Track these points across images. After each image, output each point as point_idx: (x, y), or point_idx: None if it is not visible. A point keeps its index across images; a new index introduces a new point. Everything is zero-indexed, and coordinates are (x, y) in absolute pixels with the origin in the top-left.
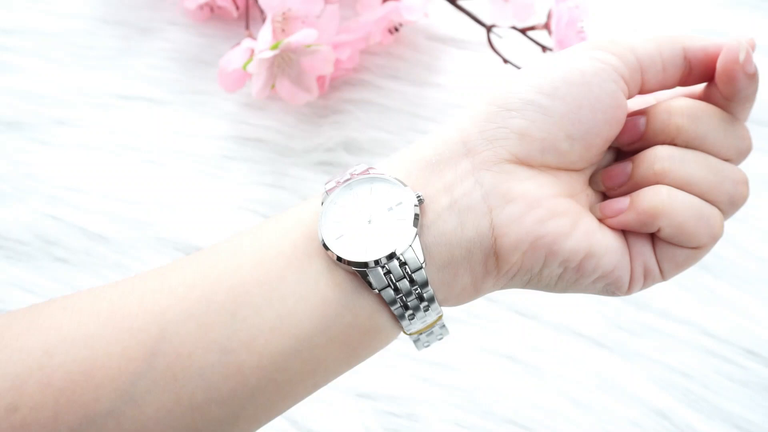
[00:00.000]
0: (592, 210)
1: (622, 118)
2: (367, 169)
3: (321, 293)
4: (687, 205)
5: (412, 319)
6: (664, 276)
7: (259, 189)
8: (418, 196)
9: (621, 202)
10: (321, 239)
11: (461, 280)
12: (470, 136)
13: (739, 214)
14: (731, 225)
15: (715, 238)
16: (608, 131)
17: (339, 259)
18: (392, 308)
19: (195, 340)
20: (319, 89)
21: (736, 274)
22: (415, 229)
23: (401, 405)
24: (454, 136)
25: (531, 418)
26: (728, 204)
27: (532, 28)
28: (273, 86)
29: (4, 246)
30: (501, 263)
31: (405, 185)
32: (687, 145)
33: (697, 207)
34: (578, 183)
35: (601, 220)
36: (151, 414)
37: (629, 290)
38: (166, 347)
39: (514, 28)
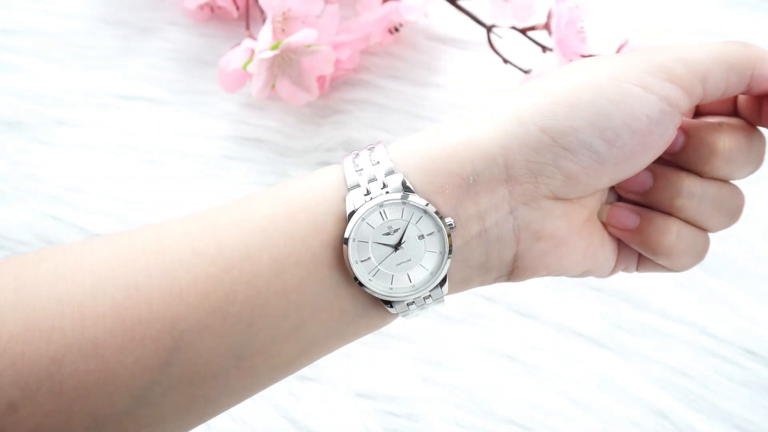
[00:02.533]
0: (599, 212)
1: (666, 147)
2: (388, 163)
3: (339, 305)
4: (689, 245)
5: (419, 315)
6: (638, 270)
7: (259, 189)
8: (450, 225)
9: (630, 220)
10: (353, 275)
11: (470, 287)
12: (515, 162)
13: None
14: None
15: (700, 262)
16: (650, 162)
17: (357, 280)
18: (408, 317)
19: (210, 349)
20: (319, 89)
21: (736, 273)
22: (445, 275)
23: (401, 405)
24: (497, 157)
25: (531, 418)
26: (720, 229)
27: (532, 28)
28: (273, 86)
29: (4, 246)
30: (512, 279)
31: (439, 218)
32: (713, 177)
33: (697, 244)
34: (601, 193)
35: (603, 223)
36: (167, 412)
37: (607, 276)
38: (182, 356)
39: (514, 28)
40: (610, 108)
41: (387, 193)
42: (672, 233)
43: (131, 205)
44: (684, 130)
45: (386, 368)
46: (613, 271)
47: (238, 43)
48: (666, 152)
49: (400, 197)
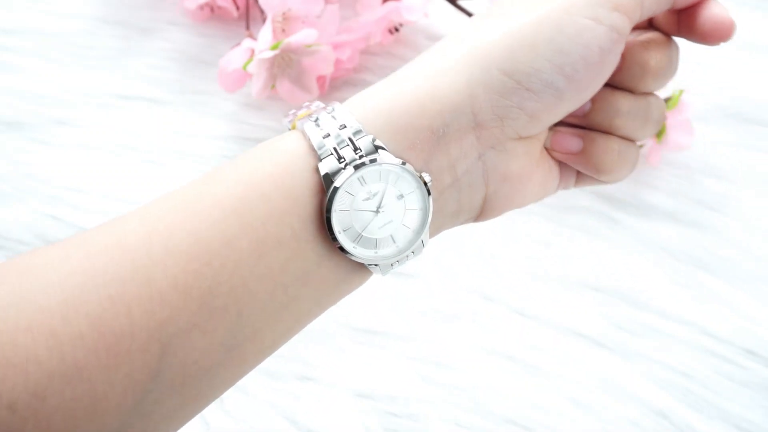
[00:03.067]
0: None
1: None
2: (335, 113)
3: (322, 276)
4: (627, 159)
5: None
6: (576, 186)
7: None
8: (426, 183)
9: (573, 143)
10: (339, 246)
11: (440, 232)
12: (482, 108)
13: (740, 214)
14: (731, 225)
15: (632, 172)
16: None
17: (342, 249)
18: (386, 275)
19: (201, 347)
20: (319, 89)
21: (736, 274)
22: (427, 231)
23: (401, 405)
24: (465, 106)
25: (531, 418)
26: (647, 137)
27: None
28: (273, 86)
29: (4, 246)
30: (478, 221)
31: (416, 175)
32: (644, 92)
33: (632, 156)
34: None
35: (547, 149)
36: (160, 419)
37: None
38: (172, 361)
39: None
40: (568, 44)
41: (361, 157)
42: (614, 151)
43: (131, 205)
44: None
45: (386, 368)
46: (555, 191)
47: (238, 43)
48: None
49: (377, 160)
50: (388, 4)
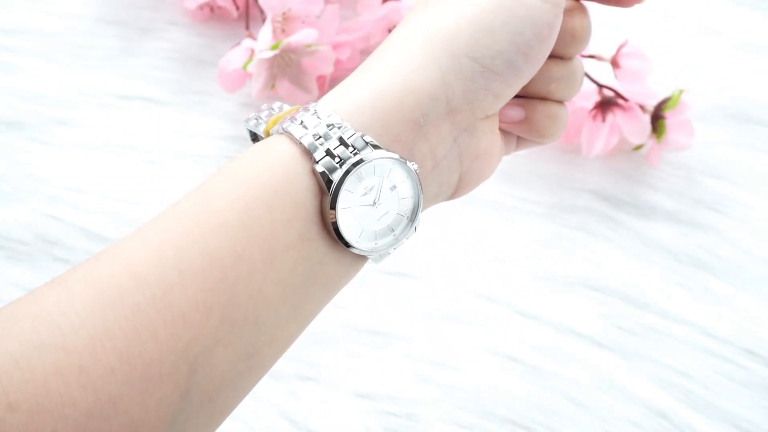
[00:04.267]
0: None
1: None
2: (306, 107)
3: (326, 272)
4: (563, 120)
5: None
6: (518, 149)
7: None
8: (417, 170)
9: (516, 113)
10: (345, 242)
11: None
12: (454, 94)
13: (740, 214)
14: (731, 225)
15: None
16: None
17: (347, 244)
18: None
19: (225, 360)
20: (319, 89)
21: (736, 274)
22: (419, 218)
23: (401, 405)
24: (440, 94)
25: (531, 418)
26: (573, 96)
27: None
28: (273, 86)
29: (4, 246)
30: (453, 198)
31: (407, 165)
32: (572, 57)
33: (564, 117)
34: None
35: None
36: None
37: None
38: (200, 379)
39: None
40: (521, 25)
41: (356, 154)
42: (556, 118)
43: (131, 205)
44: None
45: (386, 368)
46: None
47: (238, 43)
48: None
49: (372, 156)
50: (388, 4)
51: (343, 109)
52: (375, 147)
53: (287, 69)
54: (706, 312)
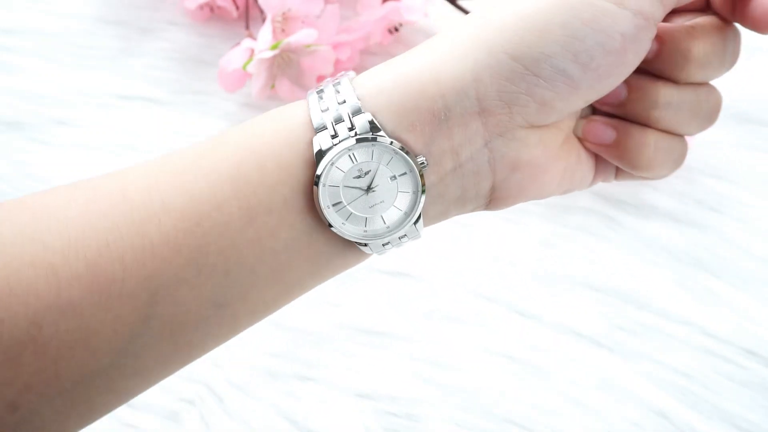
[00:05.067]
0: (575, 127)
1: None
2: (354, 92)
3: (314, 249)
4: (668, 154)
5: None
6: (617, 180)
7: None
8: (422, 163)
9: (606, 134)
10: (326, 221)
11: (447, 218)
12: (487, 93)
13: (740, 214)
14: (731, 225)
15: (678, 169)
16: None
17: (330, 225)
18: (381, 255)
19: (188, 301)
20: None
21: (736, 274)
22: (419, 215)
23: (401, 405)
24: (468, 89)
25: (531, 418)
26: (698, 132)
27: None
28: (273, 86)
29: None
30: (490, 209)
31: (409, 157)
32: (689, 83)
33: (674, 152)
34: (575, 111)
35: (579, 138)
36: (151, 361)
37: (586, 188)
38: (160, 310)
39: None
40: (583, 29)
41: (355, 134)
42: (650, 146)
43: None
44: (657, 36)
45: (386, 368)
46: (591, 184)
47: (238, 43)
48: (642, 61)
49: (368, 139)
50: (388, 4)
51: (365, 86)
52: (376, 130)
53: (287, 69)
54: (706, 312)
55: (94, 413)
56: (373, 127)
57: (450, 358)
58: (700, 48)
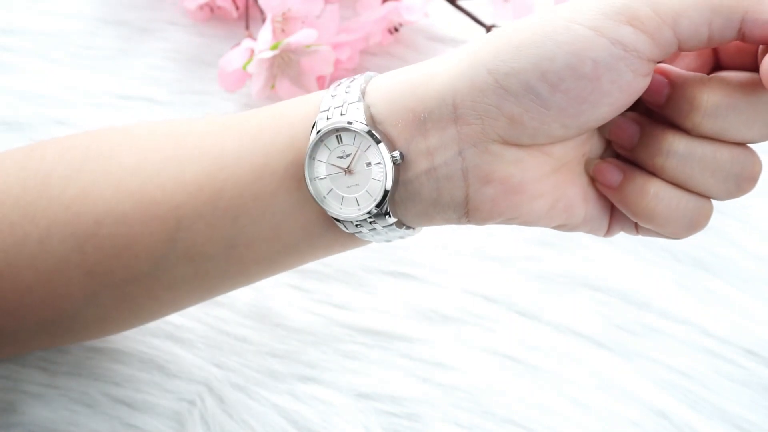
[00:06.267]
0: (587, 165)
1: (634, 98)
2: (363, 89)
3: (307, 215)
4: (673, 209)
5: (388, 240)
6: (639, 234)
7: None
8: (395, 159)
9: (613, 176)
10: (309, 190)
11: (434, 222)
12: (463, 102)
13: (740, 214)
14: (731, 225)
15: (695, 231)
16: (613, 113)
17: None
18: (371, 240)
19: (205, 234)
20: (319, 89)
21: (736, 274)
22: (385, 203)
23: (401, 405)
24: (447, 96)
25: (531, 418)
26: (725, 197)
27: None
28: (273, 86)
29: None
30: (472, 222)
31: (387, 149)
32: (703, 135)
33: (684, 209)
34: (576, 144)
35: (591, 178)
36: (178, 279)
37: (603, 236)
38: (183, 236)
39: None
40: (555, 50)
41: (347, 121)
42: (649, 194)
43: None
44: (671, 80)
45: (386, 368)
46: (609, 232)
47: (238, 43)
48: (653, 105)
49: (349, 124)
50: (387, 4)
51: (373, 84)
52: (360, 122)
53: (287, 69)
54: (706, 312)
55: (141, 313)
56: (366, 118)
57: (450, 358)
58: (707, 97)
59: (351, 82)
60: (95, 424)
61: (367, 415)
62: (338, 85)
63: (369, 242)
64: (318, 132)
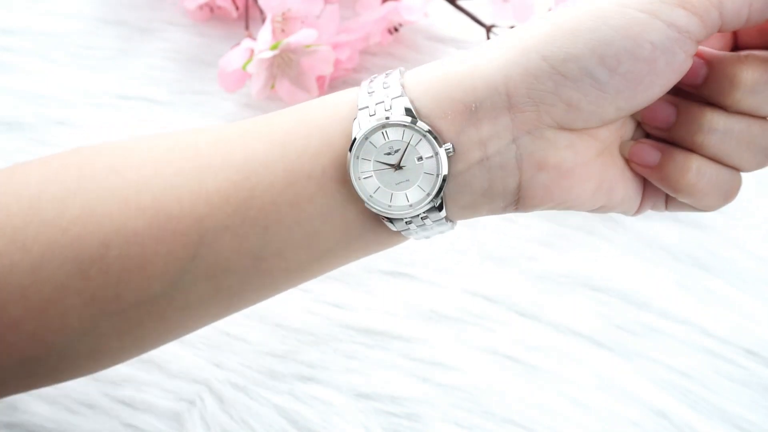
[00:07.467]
0: (622, 147)
1: (679, 78)
2: (402, 89)
3: (346, 218)
4: (712, 183)
5: (428, 236)
6: (668, 210)
7: None
8: (448, 150)
9: (650, 156)
10: (356, 191)
11: (479, 213)
12: (517, 90)
13: (740, 214)
14: (731, 225)
15: (728, 202)
16: (661, 93)
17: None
18: (413, 237)
19: (231, 248)
20: (319, 89)
21: (736, 274)
22: (440, 197)
23: (401, 405)
24: (499, 85)
25: (531, 418)
26: (755, 168)
27: None
28: (273, 86)
29: None
30: (520, 209)
31: (438, 142)
32: (740, 111)
33: (721, 182)
34: (617, 127)
35: (626, 159)
36: (195, 299)
37: (633, 214)
38: (206, 251)
39: (513, 28)
40: (611, 34)
41: (389, 117)
42: (691, 170)
43: None
44: (707, 61)
45: (386, 368)
46: (639, 210)
47: (238, 43)
48: (689, 85)
49: (401, 119)
50: (387, 4)
51: (411, 78)
52: (410, 115)
53: (287, 69)
54: (706, 312)
55: (146, 340)
56: (410, 112)
57: (450, 358)
58: (747, 74)
59: (386, 77)
60: (95, 424)
61: (367, 415)
62: (371, 82)
63: (406, 240)
64: (364, 130)
